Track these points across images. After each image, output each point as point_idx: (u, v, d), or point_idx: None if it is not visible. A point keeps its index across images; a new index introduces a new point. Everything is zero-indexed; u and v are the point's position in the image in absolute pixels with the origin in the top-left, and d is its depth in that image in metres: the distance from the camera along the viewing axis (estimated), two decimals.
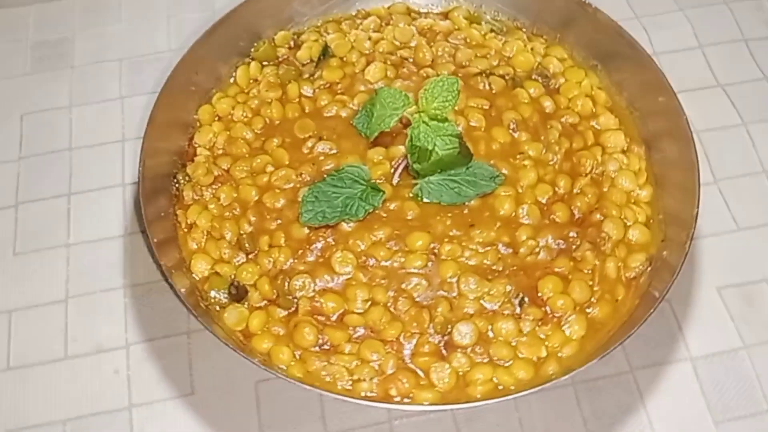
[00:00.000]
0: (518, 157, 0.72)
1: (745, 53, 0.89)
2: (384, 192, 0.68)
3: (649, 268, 0.66)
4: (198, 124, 0.76)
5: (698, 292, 0.74)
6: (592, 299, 0.65)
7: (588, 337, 0.64)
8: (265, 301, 0.66)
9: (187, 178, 0.72)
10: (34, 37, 0.94)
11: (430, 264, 0.66)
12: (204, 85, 0.77)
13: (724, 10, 0.92)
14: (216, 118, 0.76)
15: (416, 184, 0.69)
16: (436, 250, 0.67)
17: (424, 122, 0.66)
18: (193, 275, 0.67)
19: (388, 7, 0.83)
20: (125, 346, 0.73)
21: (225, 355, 0.69)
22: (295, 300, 0.65)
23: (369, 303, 0.65)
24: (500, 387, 0.61)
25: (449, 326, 0.63)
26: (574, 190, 0.70)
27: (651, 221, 0.70)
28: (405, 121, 0.70)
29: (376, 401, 0.60)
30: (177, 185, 0.72)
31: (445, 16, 0.83)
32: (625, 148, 0.73)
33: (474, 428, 0.67)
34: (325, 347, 0.63)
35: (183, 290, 0.62)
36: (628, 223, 0.69)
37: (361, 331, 0.64)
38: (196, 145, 0.74)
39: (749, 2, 0.94)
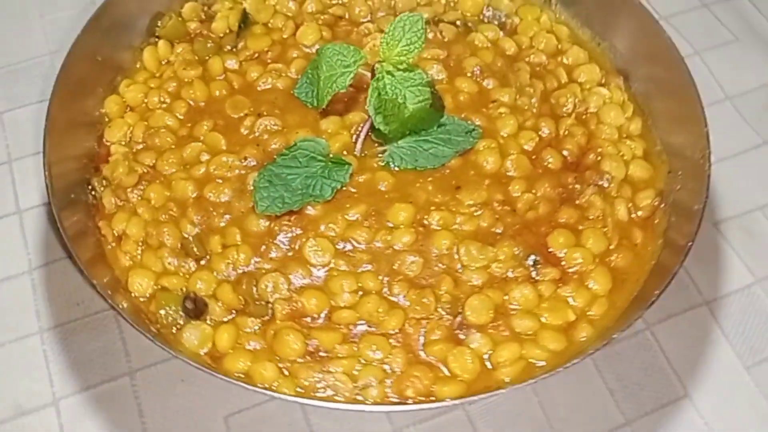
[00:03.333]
0: (491, 106, 0.63)
1: None
2: (350, 164, 0.58)
3: (662, 205, 0.58)
4: (106, 119, 0.62)
5: None
6: (610, 247, 0.56)
7: (616, 290, 0.55)
8: (232, 313, 0.53)
9: (104, 182, 0.58)
10: None
11: (420, 237, 0.55)
12: (104, 77, 0.64)
13: None
14: (127, 109, 0.62)
15: (385, 150, 0.59)
16: (424, 221, 0.56)
17: (388, 72, 0.56)
18: (133, 295, 0.53)
19: None
20: (53, 402, 0.58)
21: (182, 392, 0.56)
22: (269, 305, 0.52)
23: (359, 294, 0.53)
24: (532, 361, 0.51)
25: (459, 304, 0.53)
26: (561, 133, 0.62)
27: (649, 154, 0.62)
28: (356, 83, 0.59)
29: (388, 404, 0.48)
30: (93, 193, 0.58)
31: None
32: (603, 81, 0.65)
33: (491, 422, 0.57)
34: (318, 355, 0.51)
35: (127, 314, 0.48)
36: (627, 159, 0.61)
37: (356, 327, 0.52)
38: (108, 143, 0.61)
39: None
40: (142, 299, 0.54)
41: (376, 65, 0.56)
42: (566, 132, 0.62)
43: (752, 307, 0.64)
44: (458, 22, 0.69)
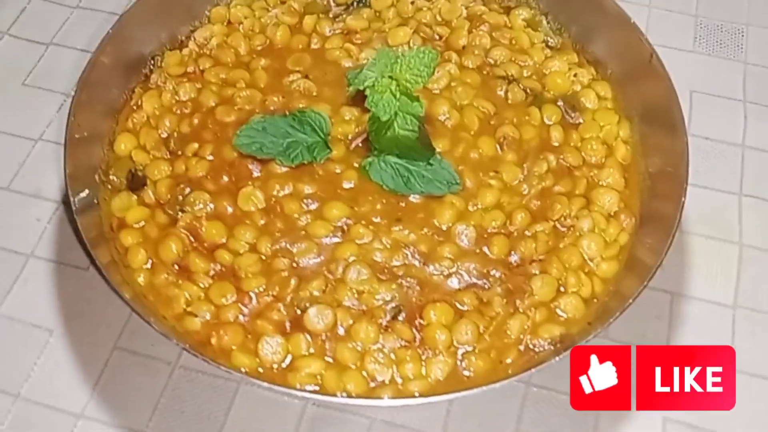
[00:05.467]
0: (490, 174, 0.63)
1: None
2: (330, 150, 0.63)
3: (556, 345, 0.55)
4: (206, 20, 0.73)
5: None
6: (474, 348, 0.55)
7: (445, 384, 0.54)
8: (155, 201, 0.62)
9: (161, 63, 0.69)
10: None
11: (330, 238, 0.59)
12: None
13: None
14: (225, 22, 0.73)
15: (368, 156, 0.63)
16: (344, 227, 0.60)
17: (391, 90, 0.59)
18: (113, 151, 0.64)
19: None
20: (57, 200, 0.71)
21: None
22: (181, 213, 0.60)
23: (247, 247, 0.59)
24: (317, 386, 0.54)
25: (308, 304, 0.56)
26: (527, 232, 0.60)
27: (594, 301, 0.58)
28: None
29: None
30: (152, 65, 0.70)
31: (507, 10, 0.74)
32: (613, 213, 0.62)
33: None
34: (183, 271, 0.58)
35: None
36: (563, 291, 0.58)
37: (217, 268, 0.58)
38: (193, 39, 0.72)
39: None
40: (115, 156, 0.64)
41: (386, 78, 0.60)
42: (532, 234, 0.61)
43: None
44: (530, 90, 0.68)
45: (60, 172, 0.64)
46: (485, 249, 0.60)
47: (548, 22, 0.74)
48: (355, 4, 0.74)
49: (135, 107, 0.68)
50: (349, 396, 0.53)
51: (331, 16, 0.74)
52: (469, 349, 0.56)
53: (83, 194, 0.59)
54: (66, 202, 0.70)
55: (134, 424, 0.60)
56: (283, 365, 0.55)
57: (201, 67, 0.69)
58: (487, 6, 0.75)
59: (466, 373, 0.55)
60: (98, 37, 0.66)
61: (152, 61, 0.71)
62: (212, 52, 0.71)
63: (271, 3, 0.75)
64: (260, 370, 0.55)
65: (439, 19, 0.74)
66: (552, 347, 0.55)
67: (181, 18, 0.72)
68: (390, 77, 0.60)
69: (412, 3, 0.74)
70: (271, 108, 0.67)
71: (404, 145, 0.61)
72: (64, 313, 0.65)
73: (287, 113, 0.65)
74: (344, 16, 0.73)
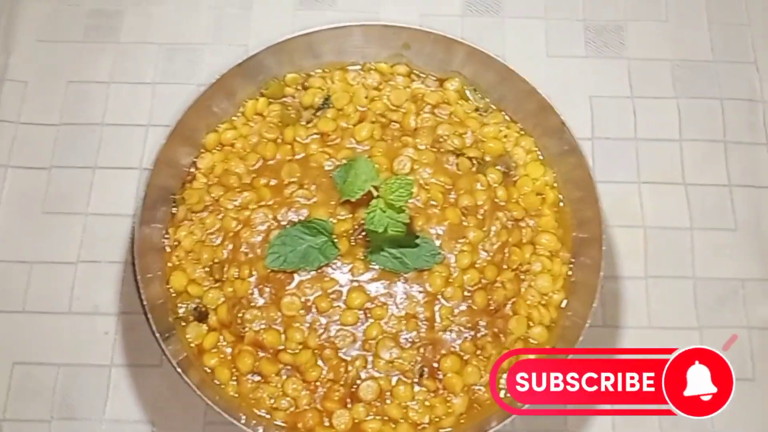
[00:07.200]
0: (460, 240, 0.84)
1: None
2: (339, 250, 0.82)
3: None
4: (204, 149, 0.89)
5: None
6: (481, 385, 0.79)
7: (467, 416, 0.78)
8: (220, 325, 0.81)
9: (183, 199, 0.86)
10: (90, 4, 1.05)
11: (358, 326, 0.80)
12: (218, 112, 0.89)
13: None
14: (219, 147, 0.88)
15: (369, 249, 0.82)
16: (367, 312, 0.81)
17: (380, 209, 0.78)
18: (170, 288, 0.82)
19: (392, 66, 0.92)
20: (116, 313, 0.90)
21: None
22: (244, 330, 0.80)
23: (301, 346, 0.80)
24: None
25: (358, 381, 0.79)
26: (496, 283, 0.82)
27: (553, 325, 0.82)
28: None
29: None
30: (174, 203, 0.86)
31: (441, 83, 0.92)
32: (553, 252, 0.84)
33: None
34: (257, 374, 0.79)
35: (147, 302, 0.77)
36: (531, 325, 0.81)
37: (287, 370, 0.79)
38: (196, 171, 0.87)
39: None
40: (173, 293, 0.83)
41: (373, 201, 0.79)
42: (500, 284, 0.83)
43: None
44: (474, 159, 0.88)
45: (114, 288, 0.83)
46: (469, 304, 0.82)
47: (474, 90, 0.92)
48: (322, 106, 0.90)
49: (175, 245, 0.85)
50: None
51: (303, 123, 0.90)
52: (478, 387, 0.79)
53: (168, 335, 0.78)
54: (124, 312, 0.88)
55: None
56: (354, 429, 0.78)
57: (215, 197, 0.86)
58: (423, 82, 0.92)
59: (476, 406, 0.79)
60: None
61: (173, 197, 0.87)
62: (219, 180, 0.87)
63: (248, 116, 0.90)
64: None
65: (390, 105, 0.91)
66: None
67: (186, 150, 0.87)
68: (378, 197, 0.79)
69: (366, 97, 0.91)
70: (283, 222, 0.84)
71: (395, 239, 0.81)
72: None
73: (296, 223, 0.83)
74: (314, 120, 0.90)
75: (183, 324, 0.81)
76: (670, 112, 0.99)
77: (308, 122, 0.89)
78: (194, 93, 0.85)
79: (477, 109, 0.91)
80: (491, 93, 0.90)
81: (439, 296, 0.81)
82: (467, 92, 0.91)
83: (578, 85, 1.03)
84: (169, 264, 0.83)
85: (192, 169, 0.88)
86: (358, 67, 0.92)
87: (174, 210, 0.86)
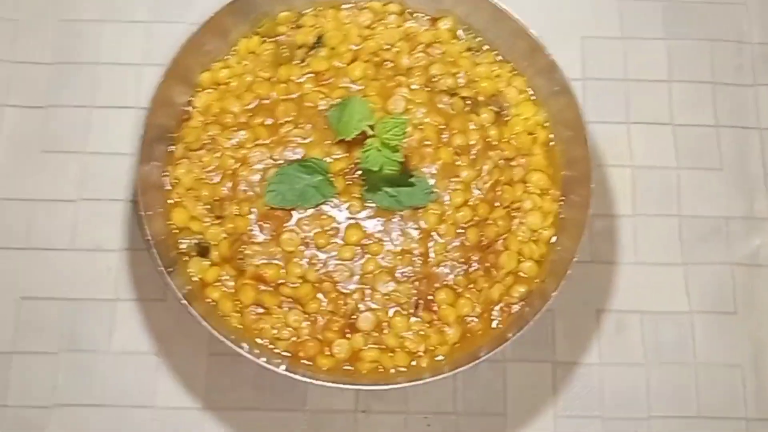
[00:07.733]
0: (453, 179, 0.86)
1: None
2: (335, 188, 0.84)
3: (524, 300, 0.83)
4: (200, 88, 0.90)
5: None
6: (474, 316, 0.83)
7: (460, 346, 0.82)
8: (221, 260, 0.84)
9: (180, 137, 0.87)
10: None
11: (356, 261, 0.83)
12: (212, 51, 0.89)
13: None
14: (214, 86, 0.89)
15: (365, 187, 0.85)
16: (364, 248, 0.84)
17: (376, 147, 0.80)
18: (171, 224, 0.85)
19: (384, 4, 0.92)
20: (118, 249, 0.92)
21: None
22: (246, 265, 0.83)
23: (301, 280, 0.83)
24: (380, 369, 0.81)
25: (357, 313, 0.82)
26: (488, 220, 0.85)
27: (543, 260, 0.85)
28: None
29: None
30: (172, 142, 0.88)
31: (434, 21, 0.93)
32: (543, 190, 0.87)
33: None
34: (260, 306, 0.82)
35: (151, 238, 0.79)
36: (522, 260, 0.85)
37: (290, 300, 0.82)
38: (193, 109, 0.88)
39: None
40: (175, 230, 0.85)
41: (369, 139, 0.81)
42: (492, 221, 0.86)
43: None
44: (468, 100, 0.90)
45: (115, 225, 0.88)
46: (462, 240, 0.85)
47: (467, 28, 0.93)
48: (315, 45, 0.91)
49: (175, 183, 0.86)
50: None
51: (296, 62, 0.91)
52: (474, 316, 0.83)
53: (171, 270, 0.81)
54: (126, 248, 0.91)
55: None
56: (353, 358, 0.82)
57: (212, 135, 0.87)
58: (415, 21, 0.93)
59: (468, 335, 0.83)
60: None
61: (170, 135, 0.88)
62: (216, 118, 0.88)
63: (242, 54, 0.91)
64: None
65: (383, 44, 0.92)
66: (522, 302, 0.83)
67: (182, 89, 0.89)
68: (373, 136, 0.81)
69: (359, 36, 0.92)
70: (280, 161, 0.86)
71: (390, 178, 0.83)
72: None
73: (292, 162, 0.85)
74: (308, 60, 0.91)
75: (185, 259, 0.83)
76: (660, 54, 1.01)
77: (302, 61, 0.90)
78: (187, 32, 0.86)
79: (469, 49, 0.92)
80: (484, 33, 0.91)
81: (433, 233, 0.84)
82: (459, 32, 0.92)
83: (570, 26, 1.04)
84: (170, 201, 0.85)
85: (188, 108, 0.88)
86: (351, 5, 0.92)
87: (171, 148, 0.86)
